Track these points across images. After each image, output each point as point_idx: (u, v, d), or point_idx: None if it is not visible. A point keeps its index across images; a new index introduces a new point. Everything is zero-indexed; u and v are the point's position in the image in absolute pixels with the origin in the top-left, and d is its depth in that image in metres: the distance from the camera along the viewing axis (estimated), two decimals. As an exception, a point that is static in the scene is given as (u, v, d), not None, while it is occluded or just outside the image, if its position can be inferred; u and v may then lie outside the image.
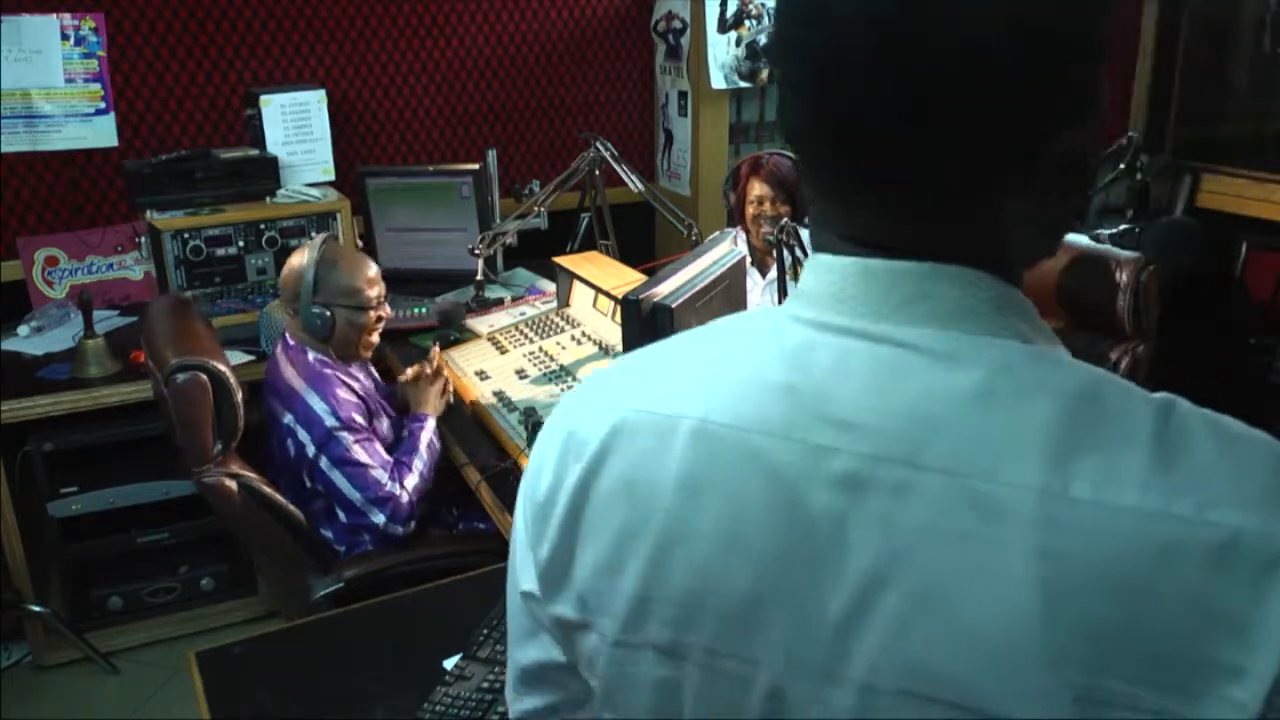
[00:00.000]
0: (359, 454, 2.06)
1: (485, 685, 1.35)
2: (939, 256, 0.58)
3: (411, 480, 2.09)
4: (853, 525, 0.56)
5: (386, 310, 2.25)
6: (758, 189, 2.78)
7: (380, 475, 2.06)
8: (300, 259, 2.16)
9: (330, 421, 2.06)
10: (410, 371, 2.33)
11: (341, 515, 2.10)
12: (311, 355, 2.17)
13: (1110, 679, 0.51)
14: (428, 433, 2.18)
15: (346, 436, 2.06)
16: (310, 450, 2.06)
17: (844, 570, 0.56)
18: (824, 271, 0.62)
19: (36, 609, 2.67)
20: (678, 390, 0.65)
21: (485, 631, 1.47)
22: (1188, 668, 0.50)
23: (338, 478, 2.06)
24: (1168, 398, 0.56)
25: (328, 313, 2.13)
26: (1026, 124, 0.56)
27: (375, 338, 2.25)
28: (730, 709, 0.62)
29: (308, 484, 2.10)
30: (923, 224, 0.58)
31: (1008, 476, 0.53)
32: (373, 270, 2.21)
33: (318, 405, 2.07)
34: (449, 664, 1.42)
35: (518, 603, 0.73)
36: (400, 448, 2.18)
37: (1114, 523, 0.51)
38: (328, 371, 2.15)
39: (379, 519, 2.05)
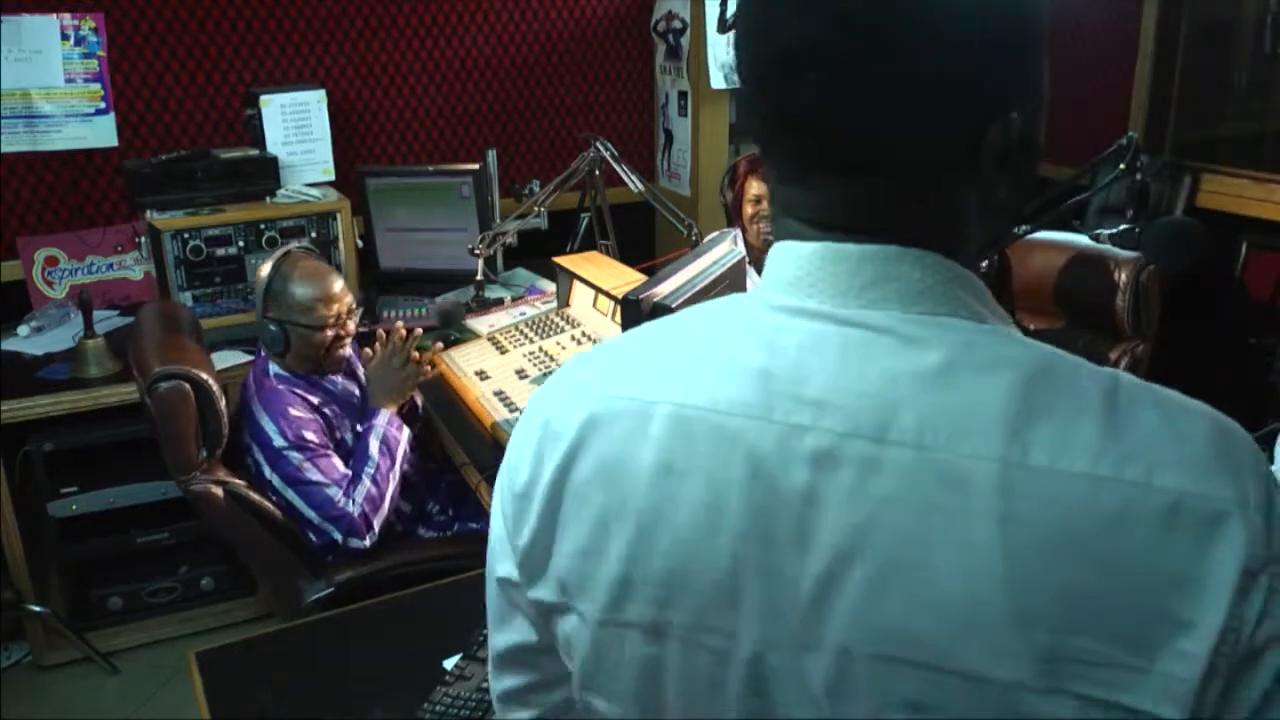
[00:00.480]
0: (309, 472, 2.02)
1: (485, 685, 1.35)
2: (898, 239, 0.61)
3: (361, 491, 2.03)
4: (824, 499, 0.58)
5: (349, 328, 2.18)
6: (755, 188, 2.78)
7: (334, 492, 2.02)
8: (262, 270, 2.13)
9: (278, 441, 2.03)
10: (368, 355, 2.23)
11: (305, 534, 2.07)
12: (272, 369, 2.14)
13: (1073, 636, 0.53)
14: (377, 434, 2.10)
15: (295, 455, 2.03)
16: (266, 469, 2.05)
17: (816, 542, 0.58)
18: (791, 257, 0.64)
19: (36, 609, 2.67)
20: (651, 377, 0.67)
21: (485, 631, 1.47)
22: (1144, 623, 0.53)
23: (292, 496, 2.04)
24: (1113, 372, 0.60)
25: (279, 329, 2.10)
26: (978, 109, 0.59)
27: (344, 352, 2.19)
28: (712, 683, 0.64)
29: (271, 498, 2.07)
30: (881, 208, 0.61)
31: (969, 449, 0.56)
32: (335, 286, 2.14)
33: (267, 425, 2.05)
34: (449, 664, 1.42)
35: (495, 588, 0.76)
36: (354, 456, 2.12)
37: (1070, 488, 0.54)
38: (282, 388, 2.10)
39: (337, 536, 2.03)
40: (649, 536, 0.64)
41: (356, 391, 2.28)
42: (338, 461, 2.08)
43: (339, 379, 2.26)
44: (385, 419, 2.13)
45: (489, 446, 2.12)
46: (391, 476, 2.08)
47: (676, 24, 3.66)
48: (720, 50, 3.54)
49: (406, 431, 2.17)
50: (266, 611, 2.84)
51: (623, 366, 0.69)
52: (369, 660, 1.48)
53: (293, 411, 2.06)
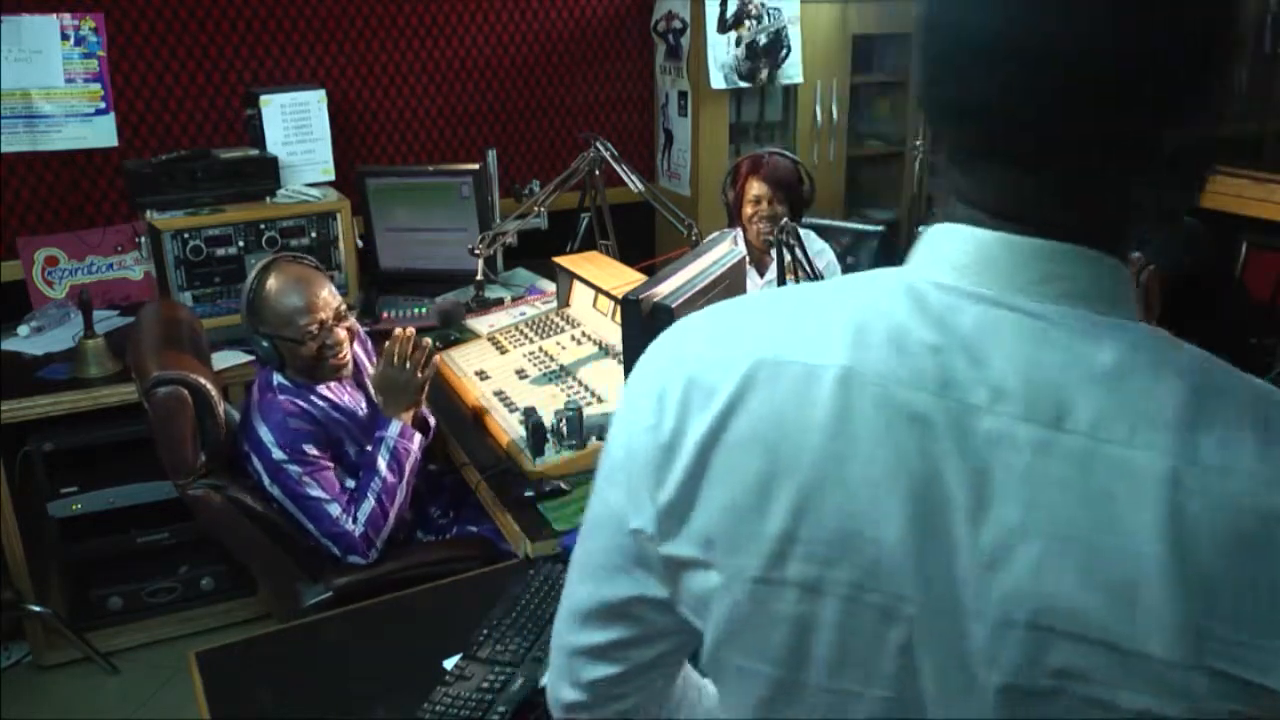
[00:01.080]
0: (310, 487, 1.99)
1: (485, 685, 1.35)
2: (1069, 236, 0.63)
3: (365, 509, 1.99)
4: (997, 477, 0.62)
5: (337, 335, 2.08)
6: (756, 188, 2.78)
7: (334, 509, 1.99)
8: (246, 284, 2.08)
9: (277, 454, 2.00)
10: (373, 368, 2.17)
11: (312, 541, 2.05)
12: (275, 379, 2.09)
13: (1227, 621, 0.58)
14: (386, 446, 2.04)
15: (295, 469, 1.99)
16: (266, 481, 2.03)
17: (989, 517, 0.62)
18: (961, 242, 0.66)
19: (36, 609, 2.67)
20: (813, 340, 0.68)
21: (485, 631, 1.47)
22: None
23: (292, 509, 2.01)
24: (1265, 385, 0.65)
25: (269, 343, 2.05)
26: (1160, 113, 0.61)
27: (339, 359, 2.11)
28: (869, 641, 0.66)
29: (275, 508, 2.05)
30: (1056, 203, 0.64)
31: (1142, 442, 0.60)
32: (317, 294, 2.05)
33: (265, 436, 2.01)
34: (449, 664, 1.42)
35: (615, 539, 0.75)
36: (362, 470, 2.07)
37: (1235, 487, 0.59)
38: (282, 399, 2.05)
39: (336, 552, 2.01)
40: (817, 497, 0.65)
41: (364, 404, 2.22)
42: (333, 475, 2.04)
43: (345, 389, 2.20)
44: (396, 430, 2.05)
45: (489, 447, 2.12)
46: (399, 492, 2.02)
47: (676, 24, 3.66)
48: (720, 50, 3.54)
49: (418, 439, 2.09)
50: (266, 611, 2.83)
51: (776, 327, 0.70)
52: (369, 660, 1.48)
53: (291, 424, 2.02)
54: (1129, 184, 0.63)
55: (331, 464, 2.05)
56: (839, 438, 0.65)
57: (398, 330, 2.10)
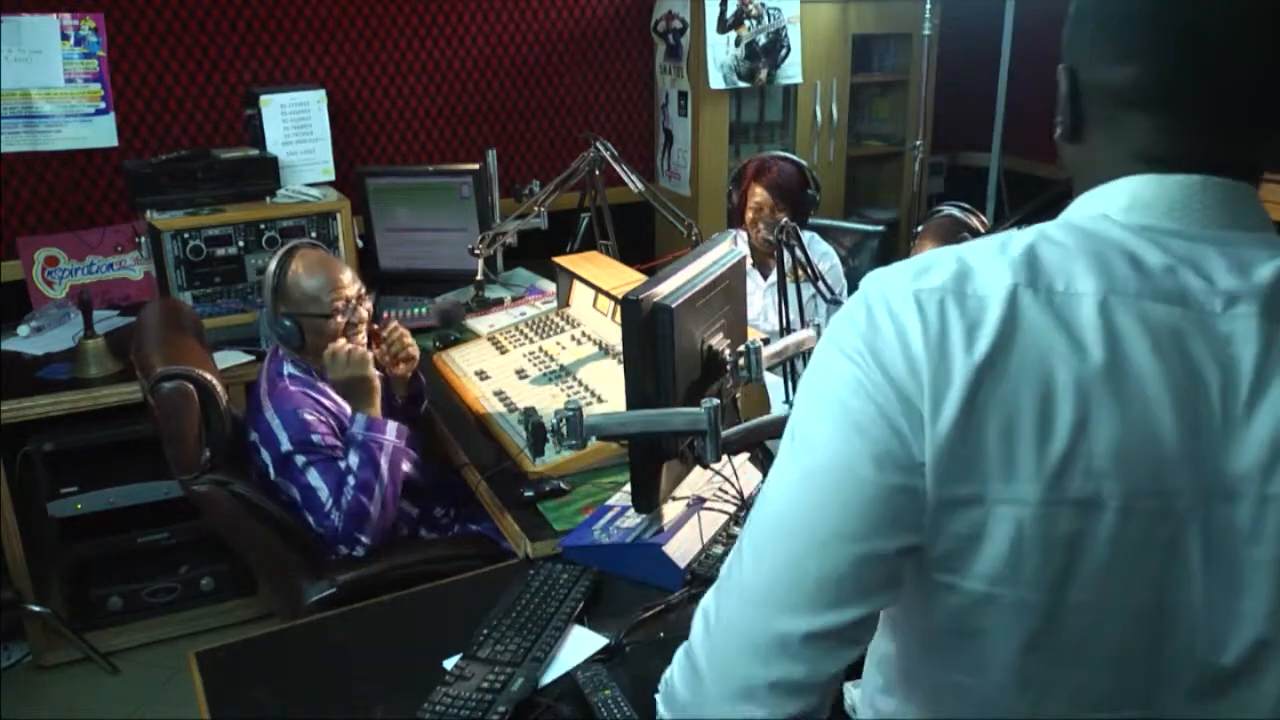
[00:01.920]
0: (310, 477, 2.01)
1: (485, 685, 1.35)
2: (1236, 175, 0.77)
3: (346, 503, 1.99)
4: (1244, 371, 0.71)
5: (361, 314, 2.14)
6: (759, 194, 2.78)
7: (325, 500, 2.01)
8: (268, 269, 2.13)
9: (285, 446, 2.01)
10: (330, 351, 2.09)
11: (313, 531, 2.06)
12: (288, 367, 2.12)
13: None
14: (354, 443, 2.02)
15: (300, 459, 2.01)
16: (272, 471, 2.05)
17: (1244, 405, 0.71)
18: (1156, 186, 0.77)
19: (36, 609, 2.67)
20: (1054, 270, 0.73)
21: (485, 631, 1.47)
22: None
23: (295, 498, 2.03)
24: None
25: (292, 323, 2.08)
26: None
27: (362, 340, 2.15)
28: (1137, 548, 0.72)
29: (281, 498, 2.06)
30: (1244, 149, 0.77)
31: None
32: (342, 274, 2.13)
33: (276, 426, 2.03)
34: (449, 664, 1.42)
35: (861, 491, 0.74)
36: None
37: None
38: (295, 389, 2.08)
39: (330, 541, 2.02)
40: (1097, 414, 0.70)
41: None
42: (342, 468, 2.04)
43: None
44: (361, 424, 2.04)
45: (489, 447, 2.12)
46: (376, 485, 2.01)
47: (676, 24, 3.66)
48: (720, 50, 3.54)
49: (392, 427, 2.05)
50: (266, 611, 2.84)
51: (1011, 264, 0.74)
52: (369, 660, 1.48)
53: (302, 414, 2.04)
54: (1263, 128, 0.77)
55: (338, 456, 2.06)
56: (1110, 354, 0.71)
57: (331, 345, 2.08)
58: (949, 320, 0.72)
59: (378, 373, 2.12)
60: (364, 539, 2.01)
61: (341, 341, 2.09)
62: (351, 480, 2.01)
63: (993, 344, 0.71)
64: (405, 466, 2.15)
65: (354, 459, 2.02)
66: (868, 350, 0.74)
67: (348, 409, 2.12)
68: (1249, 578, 0.72)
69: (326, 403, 2.11)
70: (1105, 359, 0.71)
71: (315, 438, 2.03)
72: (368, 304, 2.20)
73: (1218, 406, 0.71)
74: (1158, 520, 0.71)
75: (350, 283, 2.14)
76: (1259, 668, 0.74)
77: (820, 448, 0.76)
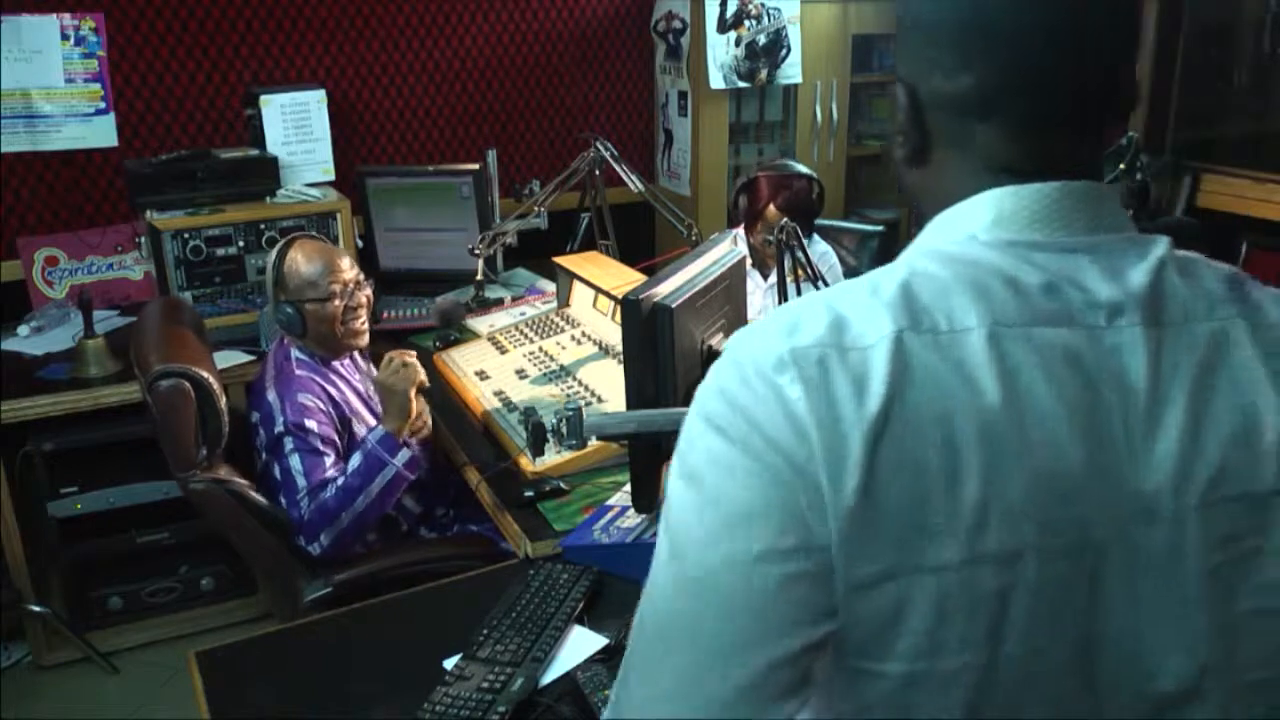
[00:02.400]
0: (293, 460, 2.02)
1: (485, 685, 1.35)
2: (1085, 176, 0.75)
3: (320, 499, 1.99)
4: (1136, 382, 0.69)
5: (360, 298, 2.18)
6: (773, 214, 2.74)
7: (300, 488, 2.00)
8: (269, 261, 2.18)
9: (278, 425, 2.03)
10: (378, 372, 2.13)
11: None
12: (294, 354, 2.16)
13: None
14: (363, 449, 2.02)
15: (289, 441, 2.03)
16: (264, 453, 2.07)
17: (1145, 418, 0.69)
18: (1015, 198, 0.74)
19: (36, 609, 2.67)
20: (935, 308, 0.69)
21: (485, 631, 1.47)
22: None
23: (275, 478, 2.04)
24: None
25: (293, 309, 2.12)
26: (1126, 74, 0.75)
27: (359, 325, 2.18)
28: (1061, 587, 0.68)
29: (269, 479, 2.09)
30: (1086, 152, 0.76)
31: (1222, 315, 0.72)
32: (340, 260, 2.17)
33: (274, 405, 2.05)
34: (449, 664, 1.42)
35: (769, 588, 0.65)
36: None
37: None
38: (301, 373, 2.11)
39: (293, 529, 2.02)
40: (1002, 457, 0.66)
41: (374, 393, 2.24)
42: (326, 463, 2.04)
43: (357, 371, 2.26)
44: (377, 435, 2.03)
45: (489, 447, 2.12)
46: (360, 496, 1.99)
47: (676, 24, 3.66)
48: (720, 50, 3.54)
49: (404, 455, 2.03)
50: (266, 611, 2.84)
51: (885, 302, 0.69)
52: (369, 660, 1.48)
53: (302, 398, 2.06)
54: (1105, 127, 0.76)
55: (327, 450, 2.05)
56: (1008, 391, 0.66)
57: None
58: (833, 378, 0.66)
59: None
60: (324, 540, 2.00)
61: (403, 351, 2.11)
62: (340, 481, 2.00)
63: (885, 398, 0.65)
64: (403, 497, 2.12)
65: (355, 462, 2.02)
66: (745, 423, 0.67)
67: (353, 401, 2.15)
68: (1177, 598, 0.69)
69: (331, 390, 2.13)
70: (1003, 396, 0.66)
71: (310, 423, 2.04)
72: (368, 290, 2.23)
73: (1119, 426, 0.68)
74: (1076, 554, 0.67)
75: (348, 268, 2.18)
76: (1202, 692, 0.70)
77: (701, 545, 0.67)
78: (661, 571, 0.71)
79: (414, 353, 2.12)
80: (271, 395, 2.07)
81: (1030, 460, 0.66)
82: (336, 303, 2.13)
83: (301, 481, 2.01)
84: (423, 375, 2.08)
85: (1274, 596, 0.70)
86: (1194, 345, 0.71)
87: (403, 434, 2.04)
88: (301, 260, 2.14)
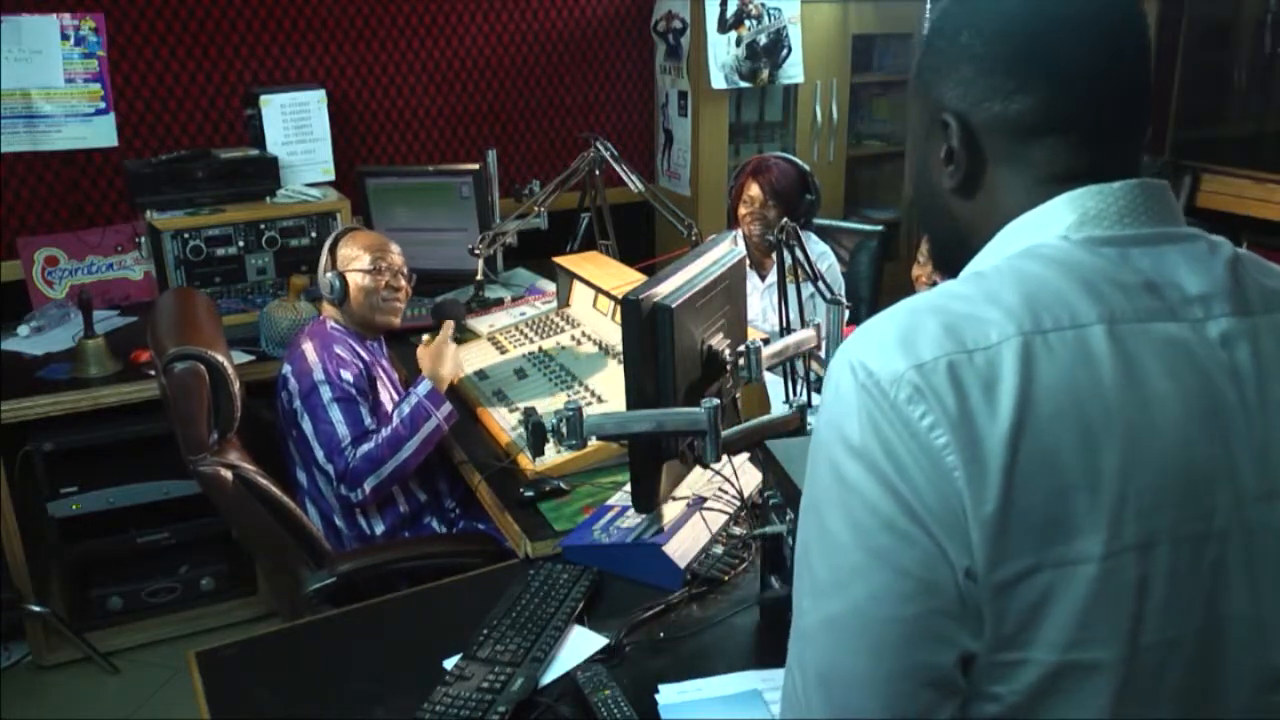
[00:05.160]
0: (332, 411, 2.11)
1: (485, 685, 1.35)
2: (1136, 175, 0.80)
3: (367, 448, 2.08)
4: (1244, 368, 0.72)
5: (401, 282, 2.31)
6: (753, 189, 2.78)
7: (343, 437, 2.09)
8: (327, 241, 2.33)
9: (318, 375, 2.12)
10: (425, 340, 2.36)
11: (311, 473, 2.15)
12: (330, 323, 2.28)
13: None
14: (410, 401, 2.14)
15: (327, 391, 2.11)
16: (296, 402, 2.13)
17: (1258, 403, 0.72)
18: (1096, 199, 0.77)
19: (36, 609, 2.67)
20: (1052, 306, 0.71)
21: (485, 631, 1.47)
22: None
23: (308, 428, 2.11)
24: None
25: (338, 278, 2.25)
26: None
27: (396, 304, 2.31)
28: (1189, 575, 0.69)
29: (293, 433, 2.15)
30: (1137, 156, 0.81)
31: None
32: (391, 247, 2.32)
33: (312, 357, 2.15)
34: (449, 664, 1.42)
35: (917, 618, 0.68)
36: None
37: None
38: (337, 332, 2.25)
39: (334, 478, 2.10)
40: (1137, 449, 0.68)
41: (388, 366, 2.39)
42: (363, 412, 2.14)
43: (384, 355, 2.37)
44: (425, 389, 2.15)
45: (489, 447, 2.12)
46: (405, 447, 2.09)
47: (676, 24, 3.66)
48: (720, 50, 3.54)
49: (446, 408, 2.15)
50: (266, 611, 2.84)
51: (1002, 303, 0.71)
52: (369, 660, 1.48)
53: (339, 351, 2.18)
54: (1146, 128, 0.82)
55: (361, 401, 2.16)
56: (1132, 383, 0.69)
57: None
58: (964, 386, 0.67)
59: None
60: (366, 488, 2.08)
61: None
62: (388, 430, 2.10)
63: (1018, 399, 0.66)
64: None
65: (403, 411, 2.12)
66: (879, 451, 0.68)
67: (381, 376, 2.27)
68: None
69: (365, 355, 2.25)
70: (1129, 386, 0.68)
71: (347, 375, 2.15)
72: (411, 281, 2.38)
73: (1238, 412, 0.71)
74: (1202, 542, 0.69)
75: (398, 255, 2.33)
76: None
77: (847, 586, 0.69)
78: (808, 612, 0.73)
79: (390, 305, 2.33)
80: (309, 349, 2.17)
81: (1160, 448, 0.68)
82: (381, 279, 2.27)
83: (344, 430, 2.09)
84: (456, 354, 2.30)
85: None
86: (1277, 332, 0.74)
87: (444, 388, 2.18)
88: (359, 238, 2.31)
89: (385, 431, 2.10)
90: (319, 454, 2.11)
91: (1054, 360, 0.68)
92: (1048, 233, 0.76)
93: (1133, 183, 0.77)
